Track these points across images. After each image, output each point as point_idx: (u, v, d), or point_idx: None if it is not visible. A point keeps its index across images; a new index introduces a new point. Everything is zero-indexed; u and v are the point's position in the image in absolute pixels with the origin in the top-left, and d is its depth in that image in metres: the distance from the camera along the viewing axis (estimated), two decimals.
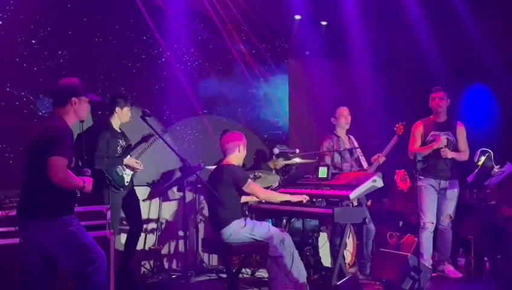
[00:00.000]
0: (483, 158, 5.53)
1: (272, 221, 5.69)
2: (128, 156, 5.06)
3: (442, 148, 5.47)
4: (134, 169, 5.16)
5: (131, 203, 5.26)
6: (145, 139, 5.20)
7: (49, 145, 3.16)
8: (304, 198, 4.75)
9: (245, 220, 4.62)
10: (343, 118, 5.66)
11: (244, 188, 4.62)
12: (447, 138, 5.56)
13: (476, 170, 5.54)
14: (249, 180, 4.66)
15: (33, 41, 5.67)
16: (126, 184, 5.13)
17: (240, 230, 4.50)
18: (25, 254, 3.36)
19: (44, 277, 3.35)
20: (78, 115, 3.45)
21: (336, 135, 5.69)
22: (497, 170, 5.46)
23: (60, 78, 5.61)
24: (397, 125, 5.47)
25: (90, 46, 6.02)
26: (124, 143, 5.14)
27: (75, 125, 3.54)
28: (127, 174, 5.14)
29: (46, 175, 3.15)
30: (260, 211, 5.30)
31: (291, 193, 4.91)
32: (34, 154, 3.26)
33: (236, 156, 4.78)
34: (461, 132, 5.64)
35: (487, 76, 6.81)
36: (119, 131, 5.18)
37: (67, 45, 5.84)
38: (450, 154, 5.47)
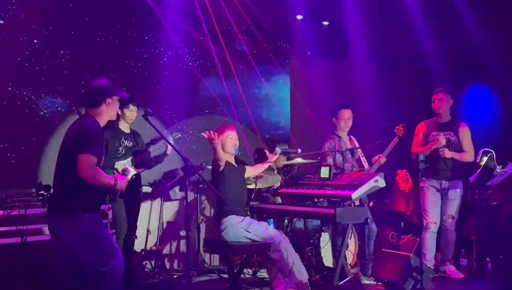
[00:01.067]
0: (485, 158, 5.52)
1: (273, 221, 5.69)
2: (131, 156, 5.01)
3: (440, 148, 5.46)
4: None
5: (128, 205, 5.19)
6: (154, 141, 5.15)
7: (80, 144, 3.29)
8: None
9: (244, 217, 4.62)
10: (343, 122, 5.64)
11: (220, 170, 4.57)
12: (449, 138, 5.54)
13: (478, 170, 5.53)
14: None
15: (35, 41, 5.68)
16: None
17: (236, 224, 4.50)
18: (55, 252, 3.45)
19: (72, 276, 3.40)
20: (110, 114, 3.58)
21: (338, 135, 5.68)
22: (499, 170, 5.45)
23: (61, 78, 5.77)
24: (397, 127, 5.45)
25: (91, 45, 6.03)
26: (130, 144, 5.05)
27: None
28: None
29: (75, 172, 3.26)
30: (261, 211, 5.29)
31: (291, 193, 4.86)
32: (67, 152, 3.38)
33: (225, 150, 4.73)
34: (464, 132, 5.60)
35: (488, 76, 6.77)
36: (127, 132, 5.10)
37: (69, 45, 5.85)
38: (448, 153, 5.44)
